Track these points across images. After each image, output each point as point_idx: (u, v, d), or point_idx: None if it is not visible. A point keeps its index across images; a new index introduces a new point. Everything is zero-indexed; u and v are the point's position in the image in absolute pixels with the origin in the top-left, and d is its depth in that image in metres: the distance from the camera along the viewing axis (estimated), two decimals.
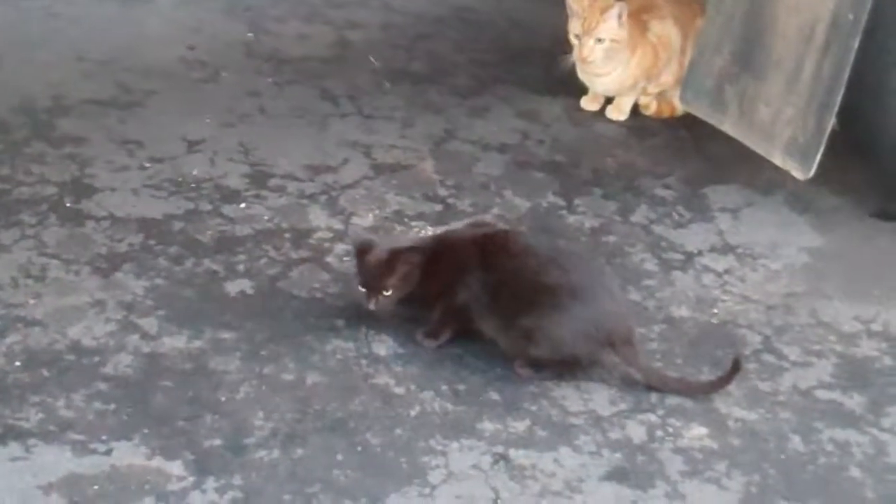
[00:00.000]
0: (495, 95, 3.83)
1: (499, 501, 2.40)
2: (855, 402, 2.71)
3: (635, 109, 3.76)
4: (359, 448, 2.49)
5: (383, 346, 2.76)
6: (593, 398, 2.66)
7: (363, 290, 2.72)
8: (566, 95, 3.79)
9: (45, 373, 2.62)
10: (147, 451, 2.45)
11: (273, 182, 3.31)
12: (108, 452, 2.44)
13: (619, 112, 3.75)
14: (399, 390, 2.64)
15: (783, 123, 3.13)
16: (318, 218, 3.18)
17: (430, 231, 3.12)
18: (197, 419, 2.53)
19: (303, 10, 4.27)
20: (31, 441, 2.45)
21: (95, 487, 2.36)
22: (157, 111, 3.61)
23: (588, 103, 3.78)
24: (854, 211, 3.37)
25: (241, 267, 2.98)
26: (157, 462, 2.42)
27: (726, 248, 3.19)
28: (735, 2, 3.21)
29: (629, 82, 3.69)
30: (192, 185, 3.27)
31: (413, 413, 2.59)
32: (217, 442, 2.48)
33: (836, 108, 3.03)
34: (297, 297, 2.89)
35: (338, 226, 3.14)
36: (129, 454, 2.44)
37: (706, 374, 2.74)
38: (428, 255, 2.74)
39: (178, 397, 2.58)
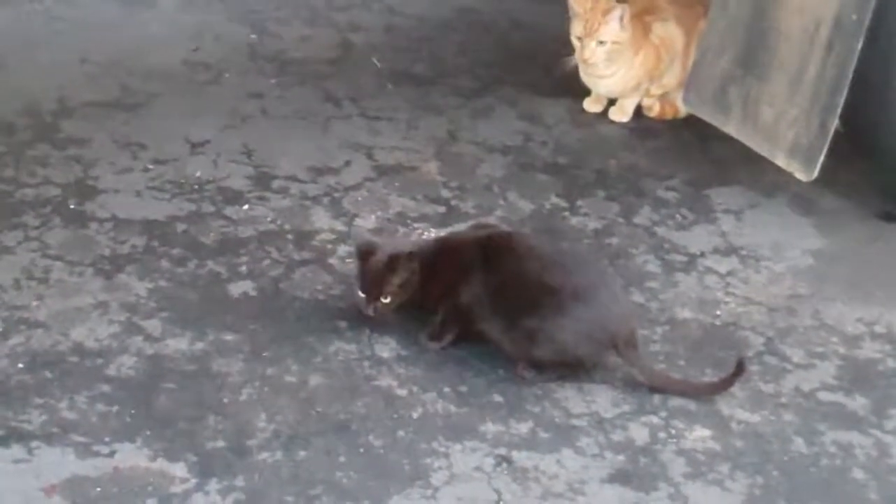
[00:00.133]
0: (498, 97, 3.83)
1: (501, 503, 2.40)
2: (858, 403, 2.70)
3: (638, 111, 3.76)
4: (361, 450, 2.49)
5: (386, 347, 2.76)
6: (596, 400, 2.65)
7: (362, 295, 2.73)
8: (569, 97, 3.79)
9: (48, 374, 2.62)
10: (150, 452, 2.45)
11: (276, 184, 3.31)
12: (111, 454, 2.44)
13: (622, 114, 3.74)
14: (402, 392, 2.64)
15: (787, 125, 3.12)
16: (321, 219, 3.18)
17: (432, 233, 3.12)
18: (200, 421, 2.53)
19: (306, 12, 4.27)
20: (34, 443, 2.45)
21: (98, 489, 2.37)
22: (161, 113, 3.61)
23: (591, 105, 3.78)
24: (858, 212, 3.36)
25: (243, 269, 2.98)
26: (160, 464, 2.43)
27: (729, 250, 3.19)
28: (738, 3, 3.21)
29: (632, 84, 3.69)
30: (195, 186, 3.28)
31: (416, 415, 2.59)
32: (220, 444, 2.48)
33: (839, 110, 3.02)
34: (299, 298, 2.89)
35: (340, 227, 3.15)
36: (131, 456, 2.44)
37: (709, 376, 2.74)
38: (430, 258, 2.74)
39: (180, 399, 2.58)
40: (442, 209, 3.26)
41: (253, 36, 4.09)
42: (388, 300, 2.72)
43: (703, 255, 3.16)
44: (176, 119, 3.57)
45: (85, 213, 3.14)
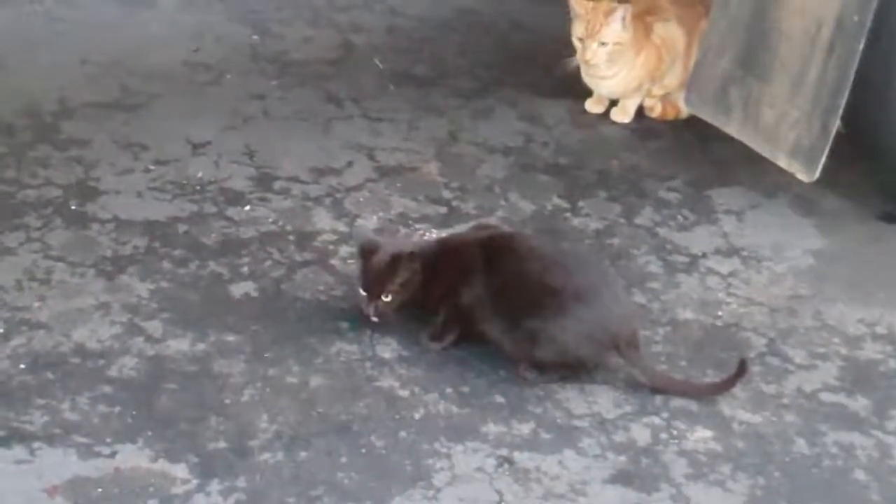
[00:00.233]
0: (499, 98, 3.83)
1: None
2: (860, 404, 2.70)
3: (640, 112, 3.76)
4: (363, 450, 2.49)
5: (387, 348, 2.76)
6: (597, 401, 2.65)
7: (363, 293, 2.73)
8: (570, 98, 3.79)
9: (50, 375, 2.62)
10: (151, 453, 2.45)
11: (277, 184, 3.31)
12: (113, 455, 2.44)
13: (623, 114, 3.74)
14: (403, 393, 2.64)
15: (788, 126, 3.12)
16: (323, 220, 3.18)
17: (434, 233, 3.12)
18: (201, 422, 2.53)
19: (307, 13, 4.27)
20: (36, 444, 2.45)
21: (99, 490, 2.37)
22: (162, 114, 3.61)
23: (592, 106, 3.78)
24: (859, 213, 3.36)
25: (245, 269, 2.98)
26: (162, 465, 2.43)
27: (731, 251, 3.19)
28: (740, 4, 3.21)
29: (633, 84, 3.69)
30: (197, 187, 3.28)
31: (417, 415, 2.59)
32: (221, 444, 2.48)
33: (841, 111, 3.02)
34: (301, 299, 2.89)
35: (342, 228, 3.15)
36: (133, 457, 2.44)
37: (710, 377, 2.74)
38: (431, 259, 2.74)
39: (182, 400, 2.58)
40: (443, 210, 3.26)
41: (254, 37, 4.09)
42: (388, 299, 2.72)
43: (704, 255, 3.16)
44: (177, 120, 3.57)
45: (86, 214, 3.14)
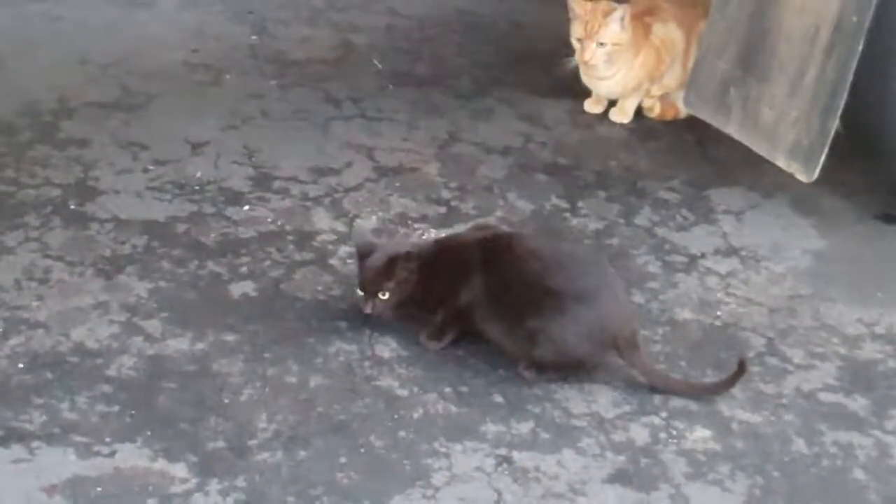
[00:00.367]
0: (498, 98, 3.83)
1: (502, 503, 2.40)
2: (858, 404, 2.70)
3: (639, 112, 3.76)
4: (362, 450, 2.49)
5: (386, 348, 2.76)
6: (597, 400, 2.65)
7: (360, 292, 2.73)
8: (569, 98, 3.79)
9: (49, 375, 2.62)
10: (150, 453, 2.45)
11: (276, 184, 3.32)
12: (112, 454, 2.44)
13: (622, 115, 3.75)
14: (402, 392, 2.64)
15: (787, 126, 3.13)
16: (322, 220, 3.18)
17: (433, 233, 3.12)
18: (200, 421, 2.53)
19: (306, 13, 4.28)
20: (35, 443, 2.45)
21: (99, 489, 2.37)
22: (161, 114, 3.61)
23: (591, 106, 3.78)
24: (858, 213, 3.37)
25: (244, 269, 2.98)
26: (161, 464, 2.43)
27: (730, 251, 3.19)
28: (739, 4, 3.21)
29: (632, 85, 3.69)
30: (196, 187, 3.28)
31: (416, 415, 2.59)
32: (220, 444, 2.48)
33: (839, 111, 3.02)
34: (300, 299, 2.89)
35: (341, 228, 3.15)
36: (132, 456, 2.44)
37: (709, 377, 2.74)
38: (430, 259, 2.74)
39: (181, 399, 2.58)
40: (442, 210, 3.26)
41: (253, 37, 4.09)
42: (385, 297, 2.72)
43: (703, 255, 3.16)
44: (176, 120, 3.57)
45: (85, 213, 3.14)
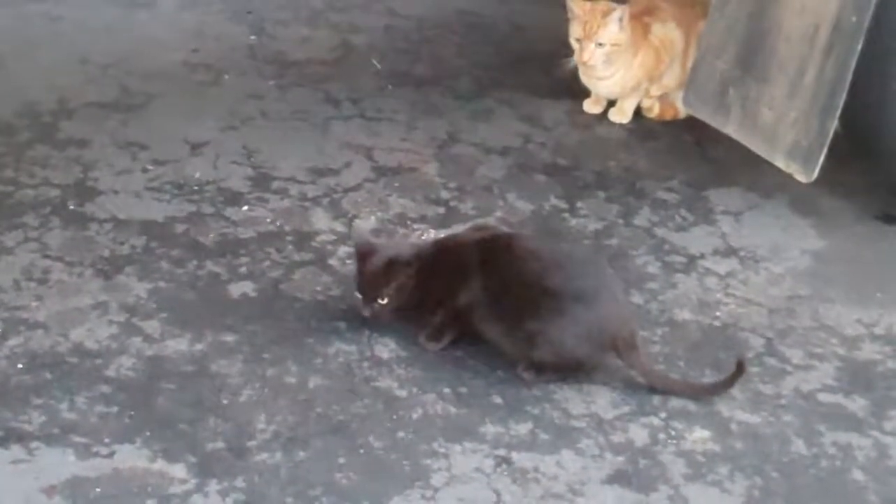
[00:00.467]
0: (497, 99, 3.83)
1: None
2: (857, 405, 2.70)
3: (638, 112, 3.76)
4: (361, 451, 2.49)
5: (385, 348, 2.76)
6: (596, 401, 2.65)
7: (359, 295, 2.73)
8: (568, 98, 3.79)
9: (48, 375, 2.62)
10: (149, 453, 2.45)
11: (275, 185, 3.32)
12: (111, 455, 2.44)
13: (621, 115, 3.75)
14: (401, 393, 2.64)
15: (786, 126, 3.13)
16: (321, 220, 3.18)
17: (432, 234, 3.12)
18: (199, 422, 2.53)
19: (306, 13, 4.28)
20: (34, 444, 2.45)
21: (98, 490, 2.37)
22: (160, 114, 3.61)
23: (590, 106, 3.78)
24: (857, 214, 3.37)
25: (243, 269, 2.98)
26: (160, 465, 2.43)
27: (729, 251, 3.19)
28: (738, 4, 3.21)
29: (631, 85, 3.69)
30: (195, 187, 3.28)
31: (415, 416, 2.59)
32: (219, 445, 2.48)
33: (839, 111, 3.02)
34: (299, 299, 2.89)
35: (340, 228, 3.15)
36: (131, 457, 2.44)
37: (708, 377, 2.74)
38: (429, 260, 2.74)
39: (180, 400, 2.58)
40: (441, 210, 3.26)
41: (253, 37, 4.09)
42: (384, 301, 2.72)
43: (702, 256, 3.16)
44: (175, 120, 3.57)
45: (84, 213, 3.14)
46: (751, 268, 3.13)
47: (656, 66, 3.67)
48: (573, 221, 3.27)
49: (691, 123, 3.56)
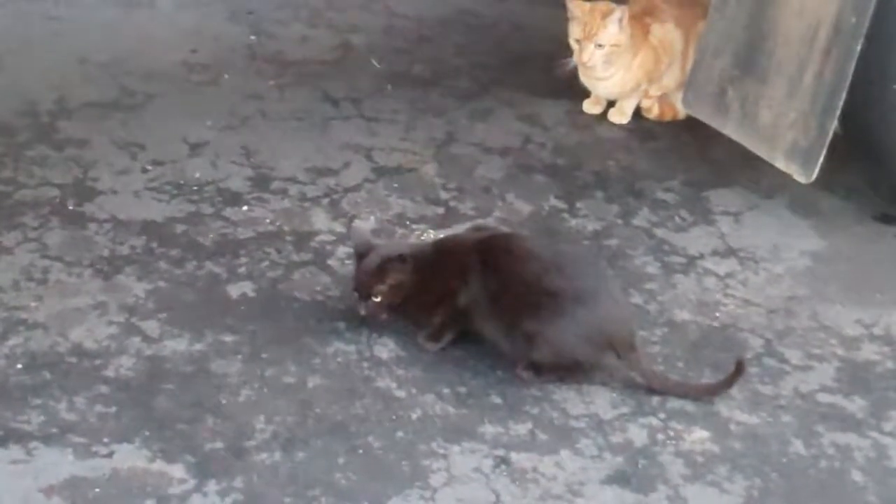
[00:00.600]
0: (497, 99, 3.83)
1: None
2: (856, 405, 2.70)
3: (637, 113, 3.76)
4: (360, 451, 2.49)
5: (385, 349, 2.76)
6: (595, 401, 2.66)
7: (355, 293, 2.73)
8: (568, 99, 3.79)
9: (47, 375, 2.62)
10: (148, 453, 2.45)
11: (275, 185, 3.32)
12: (110, 455, 2.44)
13: (620, 115, 3.75)
14: (400, 393, 2.64)
15: (785, 127, 3.13)
16: (320, 221, 3.18)
17: (432, 234, 3.12)
18: (198, 422, 2.53)
19: (305, 13, 4.28)
20: (33, 444, 2.45)
21: (97, 490, 2.37)
22: (160, 114, 3.61)
23: (590, 107, 3.78)
24: (856, 214, 3.37)
25: (242, 270, 2.98)
26: (159, 465, 2.43)
27: (728, 252, 3.19)
28: (738, 5, 3.21)
29: (631, 85, 3.69)
30: (194, 187, 3.28)
31: (414, 416, 2.59)
32: (218, 445, 2.48)
33: (838, 112, 3.03)
34: (298, 299, 2.89)
35: (339, 229, 3.15)
36: (130, 457, 2.44)
37: (707, 378, 2.74)
38: (428, 260, 2.74)
39: (179, 400, 2.58)
40: (441, 210, 3.26)
41: (252, 37, 4.09)
42: (378, 299, 2.72)
43: (701, 256, 3.16)
44: (175, 120, 3.57)
45: (84, 213, 3.14)
46: (750, 268, 3.13)
47: (656, 66, 3.67)
48: (572, 222, 3.27)
49: (691, 124, 3.56)
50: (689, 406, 2.65)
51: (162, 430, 2.50)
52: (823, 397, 2.72)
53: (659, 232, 3.25)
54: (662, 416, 2.63)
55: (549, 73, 3.76)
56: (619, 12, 3.54)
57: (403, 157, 3.49)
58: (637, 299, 2.97)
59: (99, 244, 3.03)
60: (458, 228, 3.13)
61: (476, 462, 2.49)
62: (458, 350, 2.75)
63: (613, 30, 3.55)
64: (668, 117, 3.76)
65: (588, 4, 3.58)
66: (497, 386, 2.68)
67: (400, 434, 2.54)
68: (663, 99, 3.75)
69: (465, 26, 4.27)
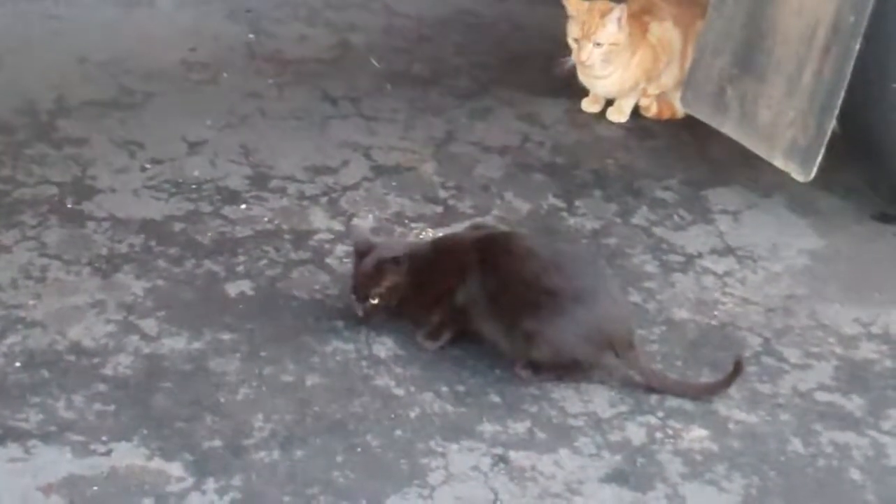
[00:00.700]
0: (496, 98, 3.83)
1: (498, 503, 2.40)
2: (855, 404, 2.70)
3: (636, 111, 3.76)
4: (358, 449, 2.49)
5: (383, 347, 2.76)
6: (593, 400, 2.66)
7: (353, 295, 2.73)
8: (567, 97, 3.79)
9: (45, 374, 2.62)
10: (147, 452, 2.45)
11: (273, 183, 3.32)
12: (108, 453, 2.44)
13: (619, 114, 3.75)
14: (399, 392, 2.64)
15: (784, 126, 3.13)
16: (319, 219, 3.18)
17: (430, 233, 3.12)
18: (196, 420, 2.53)
19: (304, 12, 4.28)
20: (31, 442, 2.45)
21: (95, 488, 2.37)
22: (158, 113, 3.61)
23: (589, 105, 3.78)
24: (855, 213, 3.37)
25: (241, 268, 2.98)
26: (157, 463, 2.43)
27: (727, 251, 3.19)
28: (736, 4, 3.21)
29: (629, 84, 3.69)
30: (193, 186, 3.28)
31: (413, 414, 2.59)
32: (217, 443, 2.48)
33: (836, 111, 3.03)
34: (297, 298, 2.89)
35: (338, 227, 3.15)
36: (128, 455, 2.44)
37: (706, 377, 2.74)
38: (426, 259, 2.74)
39: (177, 398, 2.58)
40: (439, 209, 3.26)
41: (251, 36, 4.09)
42: (375, 301, 2.72)
43: (700, 255, 3.16)
44: (174, 119, 3.57)
45: (82, 212, 3.14)
46: (748, 267, 3.13)
47: (654, 65, 3.67)
48: (571, 220, 3.27)
49: (689, 123, 3.56)
50: (688, 405, 2.66)
51: (160, 429, 2.50)
52: (822, 396, 2.72)
53: (657, 230, 3.25)
54: (661, 414, 2.63)
55: (547, 72, 3.76)
56: (618, 11, 3.54)
57: (402, 156, 3.49)
58: (636, 298, 2.97)
59: (97, 242, 3.03)
60: (457, 227, 3.13)
61: (474, 460, 2.49)
62: (456, 349, 2.75)
63: (612, 28, 3.55)
64: (666, 116, 3.76)
65: (586, 3, 3.58)
66: (496, 384, 2.68)
67: (398, 432, 2.54)
68: (662, 98, 3.75)
69: (464, 25, 4.27)
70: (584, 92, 3.77)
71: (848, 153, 3.32)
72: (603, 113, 3.76)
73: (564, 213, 3.30)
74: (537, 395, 2.65)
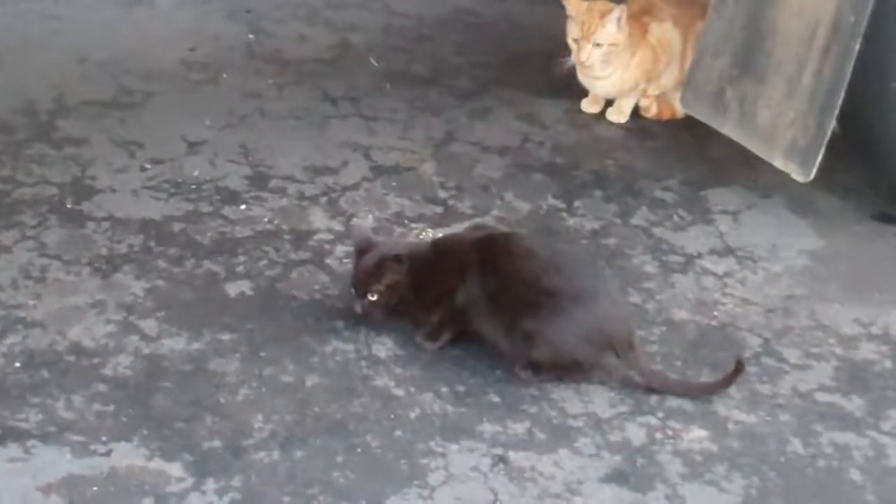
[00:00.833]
0: (496, 98, 3.83)
1: (498, 503, 2.40)
2: (855, 404, 2.70)
3: (636, 112, 3.76)
4: (358, 450, 2.49)
5: (383, 347, 2.76)
6: (593, 400, 2.66)
7: (352, 291, 2.73)
8: (566, 98, 3.79)
9: (45, 374, 2.62)
10: (146, 452, 2.45)
11: (273, 183, 3.31)
12: (108, 454, 2.44)
13: (619, 114, 3.75)
14: (399, 392, 2.64)
15: (784, 126, 3.13)
16: (319, 219, 3.18)
17: (430, 233, 3.12)
18: (196, 420, 2.53)
19: (304, 11, 4.28)
20: (31, 442, 2.45)
21: (95, 489, 2.37)
22: (158, 112, 3.61)
23: (588, 105, 3.78)
24: (855, 213, 3.37)
25: (240, 268, 2.98)
26: (157, 463, 2.43)
27: (726, 251, 3.19)
28: (736, 4, 3.21)
29: (629, 84, 3.69)
30: (193, 186, 3.27)
31: (413, 415, 2.59)
32: (216, 443, 2.48)
33: (836, 111, 3.03)
34: (296, 298, 2.89)
35: (338, 227, 3.15)
36: (128, 455, 2.44)
37: (706, 377, 2.74)
38: (426, 259, 2.74)
39: (177, 399, 2.58)
40: (439, 209, 3.26)
41: (251, 35, 4.09)
42: (374, 298, 2.72)
43: (700, 255, 3.16)
44: (173, 118, 3.57)
45: (82, 212, 3.14)
46: (748, 267, 3.13)
47: (654, 65, 3.67)
48: (571, 221, 3.27)
49: (689, 123, 3.56)
50: (688, 405, 2.66)
51: (160, 429, 2.50)
52: (822, 396, 2.72)
53: (657, 231, 3.25)
54: (661, 415, 2.63)
55: (547, 73, 3.76)
56: (618, 11, 3.54)
57: (402, 156, 3.49)
58: (635, 298, 2.97)
59: (97, 243, 3.03)
60: (457, 227, 3.13)
61: (474, 461, 2.49)
62: (456, 349, 2.75)
63: (611, 29, 3.55)
64: (666, 116, 3.76)
65: (586, 3, 3.58)
66: (495, 385, 2.68)
67: (398, 433, 2.54)
68: (661, 98, 3.75)
69: (463, 25, 4.27)
70: (583, 92, 3.77)
71: (848, 153, 3.32)
72: (603, 113, 3.76)
73: (564, 214, 3.30)
74: (537, 396, 2.65)
